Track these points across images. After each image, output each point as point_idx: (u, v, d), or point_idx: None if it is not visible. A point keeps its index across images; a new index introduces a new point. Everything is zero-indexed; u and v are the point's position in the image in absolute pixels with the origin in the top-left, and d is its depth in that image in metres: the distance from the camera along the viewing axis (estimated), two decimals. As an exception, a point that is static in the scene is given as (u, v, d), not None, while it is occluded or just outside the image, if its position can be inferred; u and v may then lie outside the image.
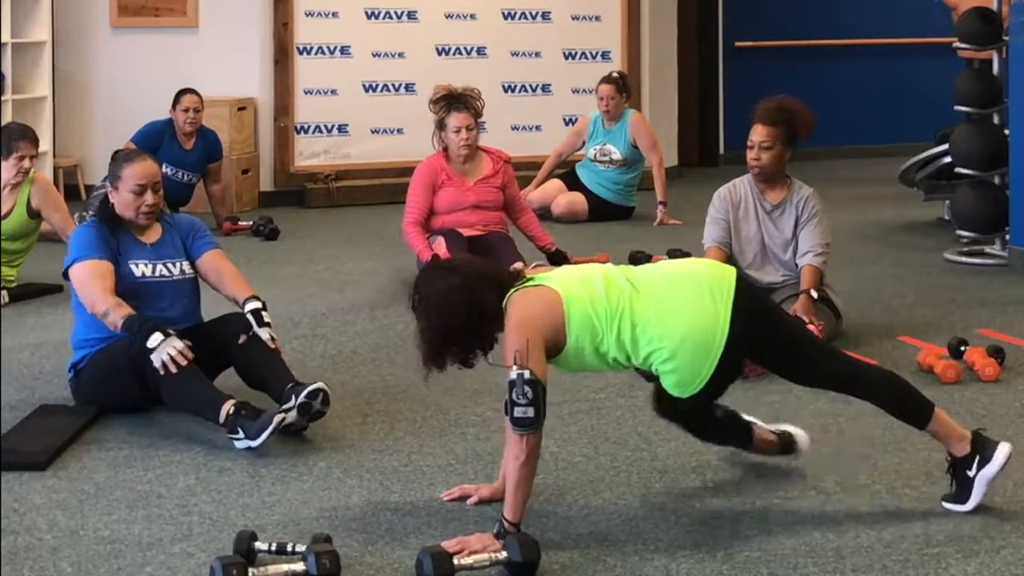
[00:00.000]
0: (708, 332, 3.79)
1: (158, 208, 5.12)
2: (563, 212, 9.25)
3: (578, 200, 9.31)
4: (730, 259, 5.95)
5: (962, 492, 3.92)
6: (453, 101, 7.09)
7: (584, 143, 9.49)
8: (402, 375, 5.41)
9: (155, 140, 8.73)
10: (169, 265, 5.09)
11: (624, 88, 9.33)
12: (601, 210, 9.30)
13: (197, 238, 5.21)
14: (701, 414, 4.04)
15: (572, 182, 9.43)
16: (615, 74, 9.46)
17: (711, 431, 4.18)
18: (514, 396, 3.62)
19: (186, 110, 8.77)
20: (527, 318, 3.72)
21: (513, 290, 3.80)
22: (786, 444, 4.30)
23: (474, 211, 7.12)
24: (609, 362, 3.84)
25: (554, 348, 3.77)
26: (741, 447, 4.30)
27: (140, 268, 5.04)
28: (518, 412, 3.62)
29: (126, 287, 4.97)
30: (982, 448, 3.92)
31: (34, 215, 7.02)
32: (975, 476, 3.89)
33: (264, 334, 4.93)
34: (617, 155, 9.29)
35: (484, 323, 3.78)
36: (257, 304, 5.00)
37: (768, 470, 4.32)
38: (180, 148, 8.81)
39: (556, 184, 9.47)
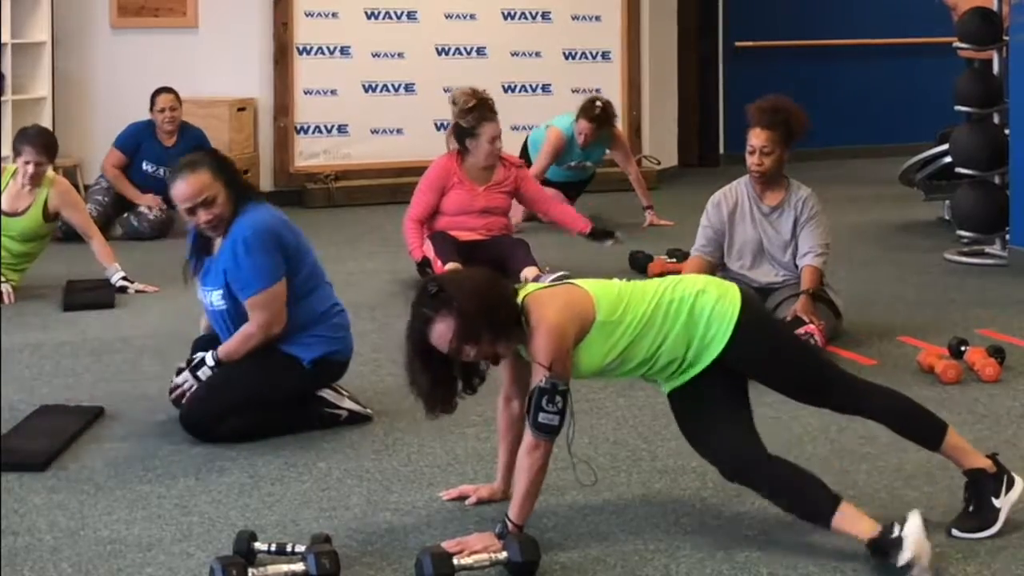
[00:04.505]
0: (726, 285, 3.82)
1: (215, 222, 4.70)
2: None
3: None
4: (718, 265, 5.94)
5: (985, 516, 3.74)
6: (487, 111, 7.08)
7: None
8: (402, 375, 5.38)
9: (135, 140, 8.90)
10: (206, 293, 4.83)
11: (605, 121, 8.95)
12: (570, 192, 9.23)
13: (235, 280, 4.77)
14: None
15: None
16: (598, 106, 8.92)
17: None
18: (543, 403, 3.60)
19: (162, 110, 8.88)
20: (562, 320, 3.64)
21: (523, 294, 3.73)
22: None
23: (481, 215, 7.11)
24: (631, 334, 3.69)
25: (579, 337, 3.71)
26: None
27: (200, 292, 4.89)
28: (543, 418, 3.60)
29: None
30: (1006, 470, 3.80)
31: (51, 218, 7.04)
32: (1003, 501, 3.75)
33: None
34: (591, 166, 9.25)
35: (511, 307, 3.66)
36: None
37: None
38: (161, 146, 8.87)
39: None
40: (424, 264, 6.89)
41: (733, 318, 3.72)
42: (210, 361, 4.76)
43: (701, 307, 3.73)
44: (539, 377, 3.62)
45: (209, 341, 4.90)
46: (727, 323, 3.72)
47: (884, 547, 3.51)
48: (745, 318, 3.72)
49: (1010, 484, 3.80)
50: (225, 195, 4.70)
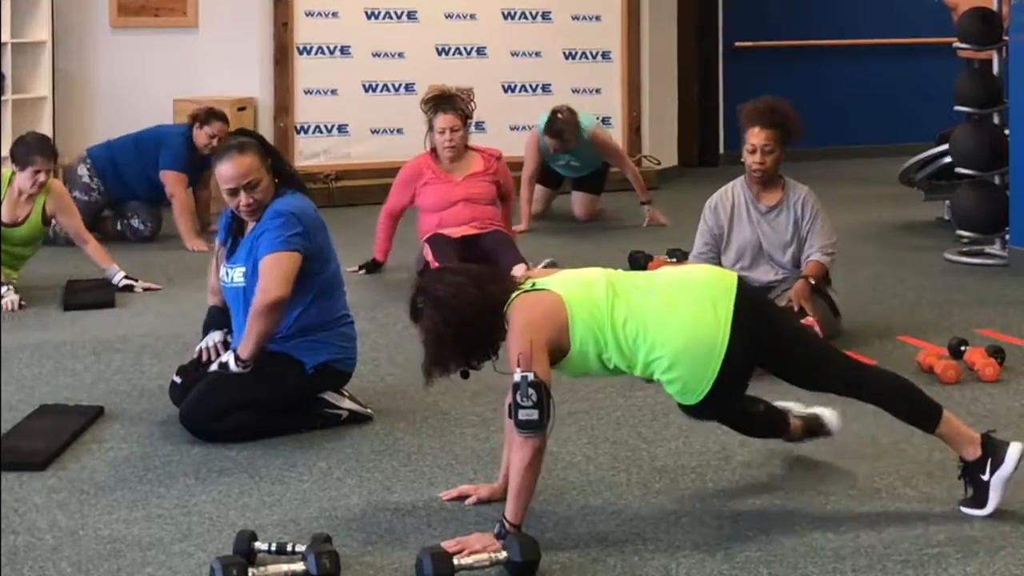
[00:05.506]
0: (709, 340, 3.79)
1: (254, 206, 4.72)
2: (584, 215, 9.20)
3: (589, 198, 9.25)
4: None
5: (979, 496, 3.88)
6: (440, 102, 7.18)
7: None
8: (402, 375, 5.41)
9: (192, 155, 8.56)
10: (229, 270, 4.83)
11: (564, 133, 8.70)
12: (587, 185, 9.26)
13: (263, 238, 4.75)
14: (739, 412, 4.13)
15: (549, 180, 9.25)
16: (558, 119, 8.67)
17: (754, 426, 4.28)
18: (518, 398, 3.61)
19: (212, 136, 8.49)
20: (530, 322, 3.72)
21: (515, 294, 3.79)
22: (812, 427, 4.35)
23: (466, 206, 7.11)
24: (611, 369, 3.85)
25: (557, 352, 3.77)
26: (779, 437, 4.36)
27: (223, 271, 4.87)
28: (522, 415, 3.61)
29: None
30: (993, 450, 3.88)
31: (47, 221, 7.05)
32: (989, 480, 3.86)
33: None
34: (580, 166, 9.14)
35: (493, 320, 3.74)
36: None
37: (767, 470, 4.32)
38: (192, 164, 8.70)
39: (543, 192, 9.27)
40: (376, 265, 7.25)
41: (713, 378, 3.80)
42: (233, 367, 4.70)
43: (675, 381, 3.84)
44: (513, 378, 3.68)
45: (222, 312, 4.93)
46: (707, 381, 3.80)
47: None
48: (731, 356, 3.79)
49: (997, 463, 3.86)
50: (268, 181, 4.74)
